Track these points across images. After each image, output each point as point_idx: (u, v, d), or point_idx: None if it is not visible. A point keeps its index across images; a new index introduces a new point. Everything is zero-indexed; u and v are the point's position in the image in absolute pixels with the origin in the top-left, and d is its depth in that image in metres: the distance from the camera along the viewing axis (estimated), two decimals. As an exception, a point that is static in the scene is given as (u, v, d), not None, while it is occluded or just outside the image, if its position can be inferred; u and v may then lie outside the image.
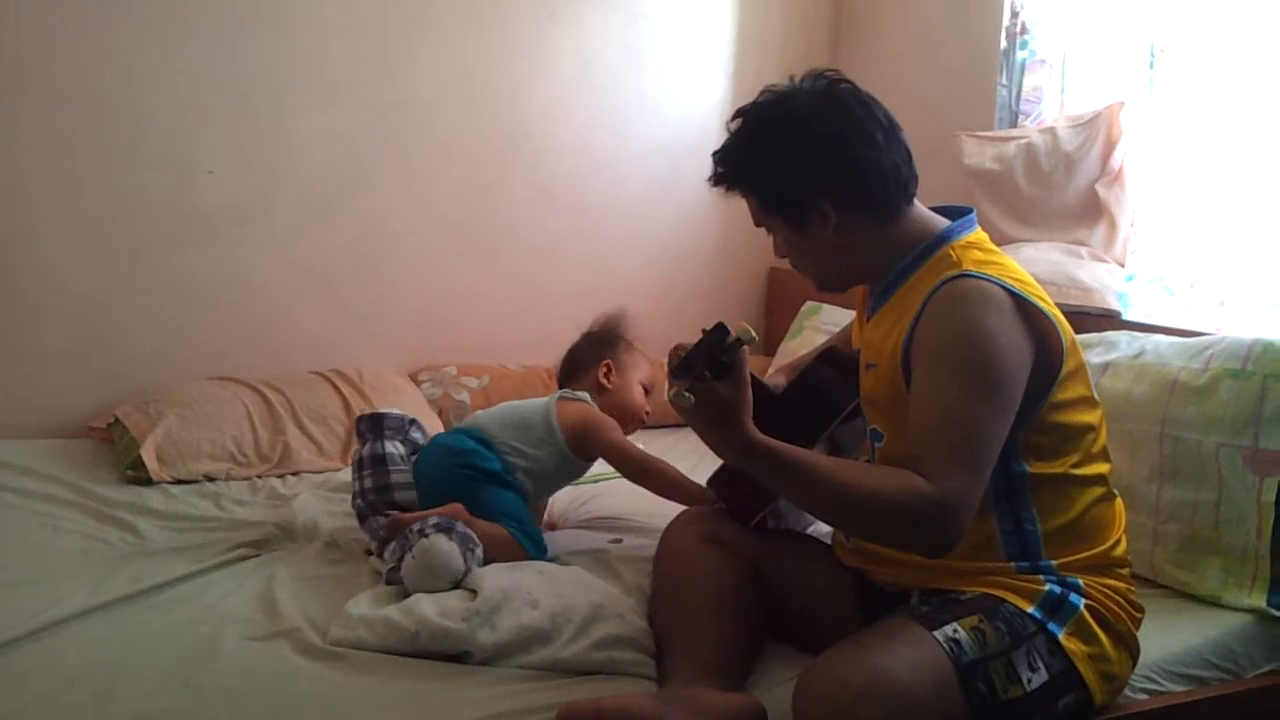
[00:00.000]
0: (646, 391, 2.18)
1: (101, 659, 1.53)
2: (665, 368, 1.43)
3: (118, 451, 2.46)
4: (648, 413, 2.19)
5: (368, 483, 1.99)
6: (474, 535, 1.79)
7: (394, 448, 2.05)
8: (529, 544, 1.89)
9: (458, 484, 1.93)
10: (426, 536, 1.72)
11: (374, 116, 2.92)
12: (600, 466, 2.65)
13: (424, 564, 1.70)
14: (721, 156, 1.58)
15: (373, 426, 2.08)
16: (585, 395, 2.11)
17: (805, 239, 1.56)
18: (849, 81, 1.54)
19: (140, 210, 2.67)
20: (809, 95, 1.52)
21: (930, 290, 1.45)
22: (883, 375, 1.52)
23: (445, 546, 1.72)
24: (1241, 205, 2.37)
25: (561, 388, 2.16)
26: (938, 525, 1.32)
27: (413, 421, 2.14)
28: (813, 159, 1.50)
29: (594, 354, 2.16)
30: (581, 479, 2.48)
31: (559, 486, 2.15)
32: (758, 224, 1.62)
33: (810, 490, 1.37)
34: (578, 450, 2.03)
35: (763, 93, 1.56)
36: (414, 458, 2.07)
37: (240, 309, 2.83)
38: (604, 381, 2.13)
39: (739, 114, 1.57)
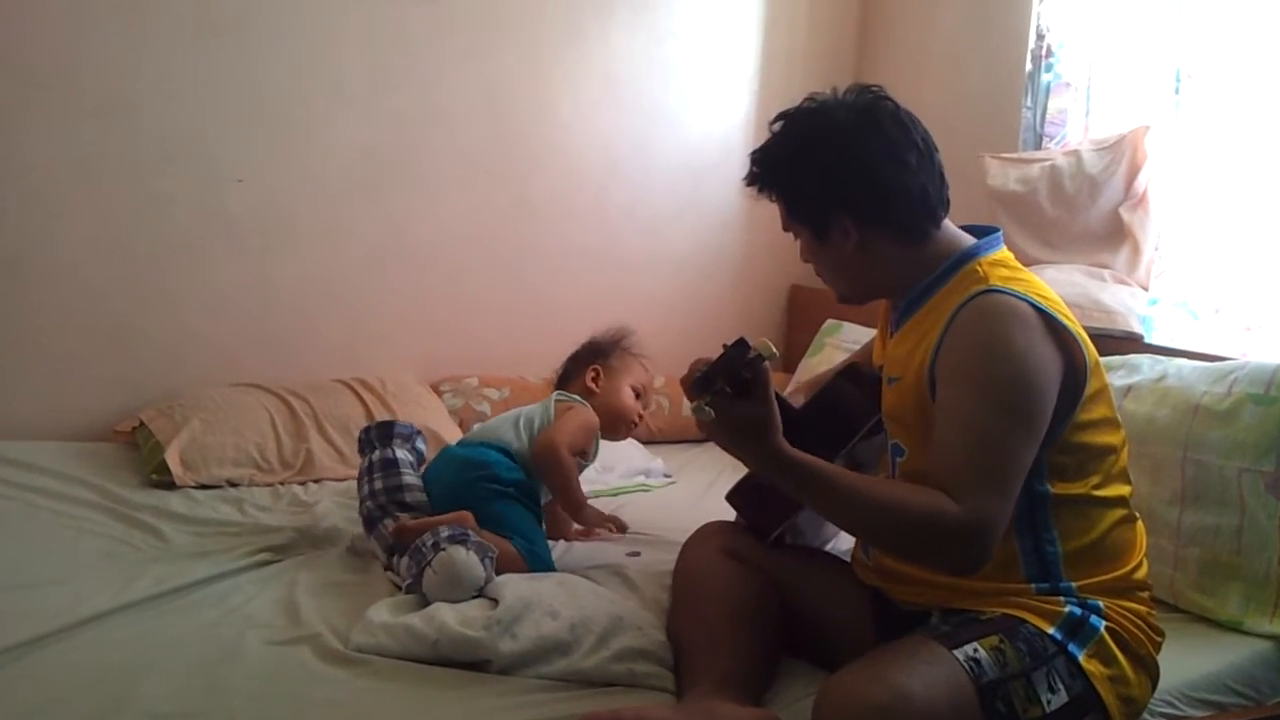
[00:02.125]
0: (638, 395, 2.24)
1: (124, 660, 1.54)
2: (683, 383, 1.45)
3: (142, 455, 2.48)
4: (640, 416, 2.25)
5: (378, 484, 2.02)
6: (488, 543, 1.80)
7: (404, 454, 2.10)
8: (534, 561, 1.89)
9: (474, 496, 1.96)
10: (443, 549, 1.73)
11: (400, 129, 2.94)
12: (619, 480, 2.67)
13: (446, 576, 1.71)
14: (758, 157, 1.59)
15: (382, 435, 2.13)
16: (578, 398, 2.17)
17: (827, 250, 1.57)
18: (891, 99, 1.54)
19: (165, 218, 2.69)
20: (848, 109, 1.53)
21: (957, 305, 1.45)
22: (906, 390, 1.52)
23: (464, 557, 1.73)
24: (1268, 231, 2.37)
25: (557, 390, 2.23)
26: (966, 547, 1.34)
27: (419, 432, 2.19)
28: (840, 175, 1.51)
29: (585, 360, 2.25)
30: (602, 491, 2.50)
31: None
32: (785, 228, 1.63)
33: (837, 504, 1.38)
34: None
35: (806, 99, 1.57)
36: (423, 467, 2.12)
37: (264, 317, 2.85)
38: (592, 385, 2.21)
39: (781, 116, 1.58)
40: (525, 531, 1.93)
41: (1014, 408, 1.38)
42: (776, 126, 1.58)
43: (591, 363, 2.24)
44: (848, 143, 1.50)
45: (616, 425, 2.23)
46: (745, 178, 1.61)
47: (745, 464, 1.43)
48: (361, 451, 2.14)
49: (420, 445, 2.18)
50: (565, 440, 2.06)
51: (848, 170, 1.50)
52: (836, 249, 1.55)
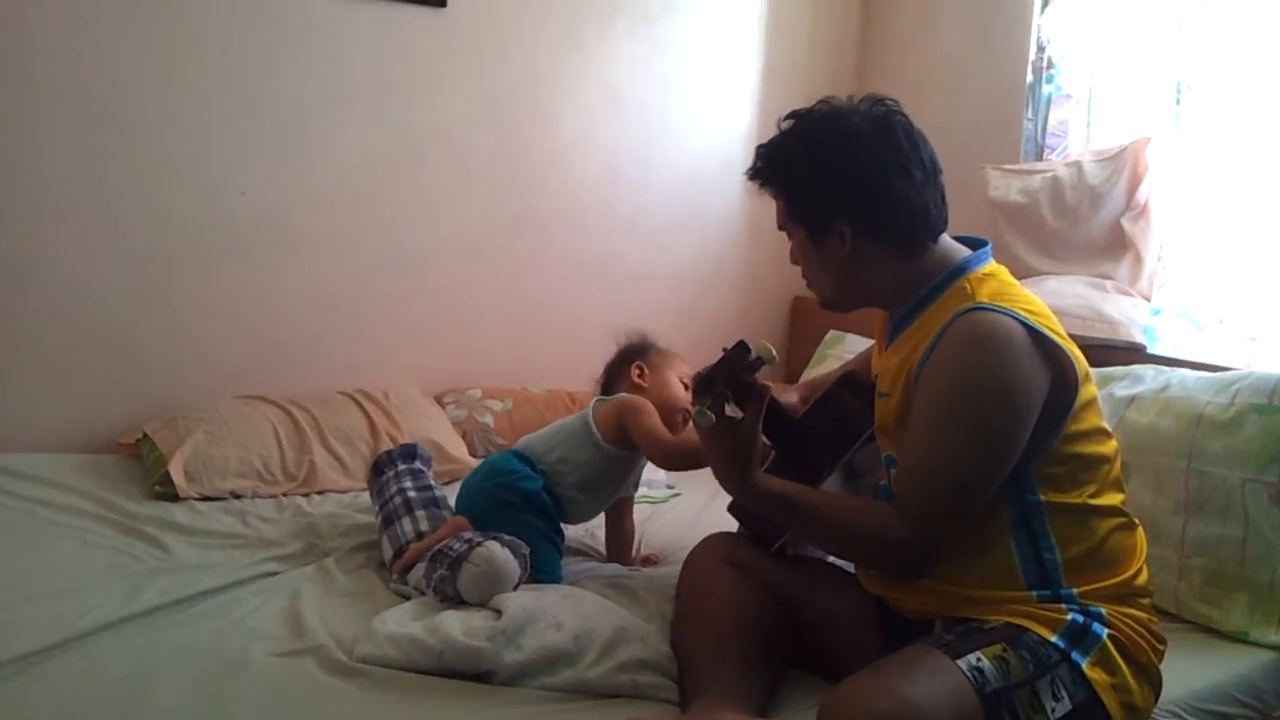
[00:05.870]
0: (686, 386, 2.14)
1: (128, 672, 1.54)
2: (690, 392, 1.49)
3: (146, 467, 2.47)
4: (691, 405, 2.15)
5: (406, 482, 2.10)
6: (518, 540, 1.82)
7: (426, 469, 2.20)
8: (537, 574, 1.88)
9: (487, 501, 1.98)
10: (480, 545, 1.75)
11: (403, 142, 2.95)
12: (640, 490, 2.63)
13: (487, 570, 1.72)
14: (764, 152, 1.60)
15: (405, 453, 2.23)
16: (621, 394, 2.13)
17: (820, 254, 1.59)
18: (904, 114, 1.56)
19: (169, 229, 2.70)
20: (862, 117, 1.54)
21: (944, 324, 1.46)
22: (896, 405, 1.53)
23: (501, 552, 1.75)
24: (1270, 241, 2.37)
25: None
26: (905, 564, 1.50)
27: (430, 457, 2.29)
28: (847, 182, 1.52)
29: (625, 360, 2.21)
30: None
31: (615, 491, 2.13)
32: (780, 227, 1.64)
33: (803, 523, 1.56)
34: (618, 442, 2.03)
35: (820, 102, 1.58)
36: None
37: (267, 329, 2.86)
38: (639, 382, 2.15)
39: (793, 115, 1.59)
40: (526, 541, 1.93)
41: (980, 435, 1.42)
42: (787, 125, 1.59)
43: (632, 361, 2.19)
44: (860, 150, 1.52)
45: (669, 419, 2.12)
46: (748, 171, 1.62)
47: (723, 485, 1.52)
48: (381, 470, 2.19)
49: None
50: (660, 429, 1.99)
51: (856, 177, 1.52)
52: (830, 253, 1.57)
